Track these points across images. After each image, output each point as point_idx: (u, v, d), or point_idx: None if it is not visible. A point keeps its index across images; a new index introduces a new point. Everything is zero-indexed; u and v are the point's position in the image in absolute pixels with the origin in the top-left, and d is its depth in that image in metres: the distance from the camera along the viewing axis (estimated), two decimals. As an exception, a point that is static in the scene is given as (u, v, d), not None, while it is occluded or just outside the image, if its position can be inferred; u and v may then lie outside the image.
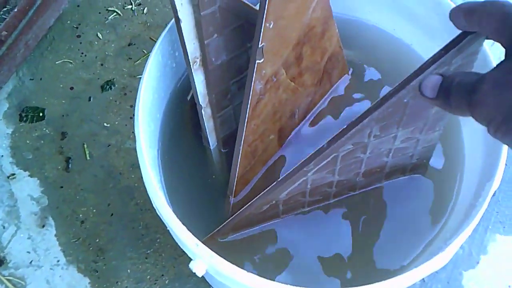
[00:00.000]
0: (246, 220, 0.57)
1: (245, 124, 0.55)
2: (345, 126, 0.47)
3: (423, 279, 0.80)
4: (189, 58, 0.54)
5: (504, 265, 0.86)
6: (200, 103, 0.58)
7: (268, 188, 0.53)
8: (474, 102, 0.34)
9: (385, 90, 0.67)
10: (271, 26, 0.49)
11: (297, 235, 0.59)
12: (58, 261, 0.84)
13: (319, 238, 0.59)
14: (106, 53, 1.01)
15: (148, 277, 0.83)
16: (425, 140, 0.55)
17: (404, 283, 0.47)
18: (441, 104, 0.37)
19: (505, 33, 0.34)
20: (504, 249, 0.86)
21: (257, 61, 0.51)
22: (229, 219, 0.57)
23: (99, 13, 1.05)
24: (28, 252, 0.84)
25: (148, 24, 1.04)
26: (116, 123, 0.94)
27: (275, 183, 0.53)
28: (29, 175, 0.90)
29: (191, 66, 0.54)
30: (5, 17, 0.90)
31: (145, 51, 1.01)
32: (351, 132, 0.47)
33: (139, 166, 0.53)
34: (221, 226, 0.58)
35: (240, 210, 0.56)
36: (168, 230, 0.52)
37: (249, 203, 0.55)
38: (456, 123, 0.64)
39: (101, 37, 1.02)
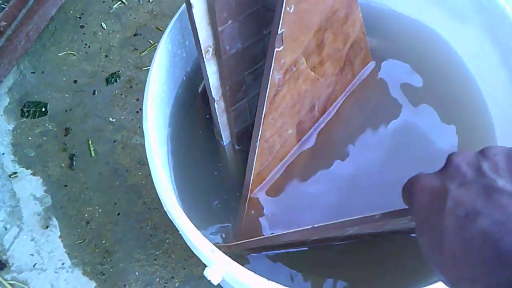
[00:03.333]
0: (266, 247, 0.53)
1: (262, 118, 0.50)
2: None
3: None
4: (201, 47, 0.49)
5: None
6: (213, 96, 0.53)
7: (299, 229, 0.48)
8: None
9: (411, 79, 0.62)
10: (291, 10, 0.44)
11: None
12: (63, 263, 0.80)
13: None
14: (111, 44, 0.96)
15: (157, 279, 0.79)
16: None
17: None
18: None
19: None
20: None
21: (276, 49, 0.46)
22: (247, 241, 0.53)
23: (103, 2, 1.01)
24: (32, 255, 0.80)
25: (155, 13, 0.99)
26: (122, 117, 0.90)
27: (309, 227, 0.48)
28: (31, 174, 0.86)
29: (204, 55, 0.50)
30: (4, 6, 0.85)
31: (151, 41, 0.96)
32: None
33: (146, 163, 0.48)
34: (239, 242, 0.53)
35: (261, 238, 0.51)
36: (179, 232, 0.47)
37: (275, 235, 0.50)
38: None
39: (105, 27, 0.98)
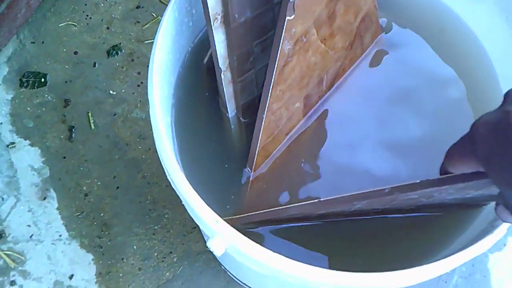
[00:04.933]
0: (271, 220, 0.52)
1: (270, 90, 0.49)
2: (418, 181, 0.42)
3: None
4: (210, 14, 0.48)
5: (533, 249, 0.81)
6: (220, 66, 0.52)
7: (306, 203, 0.48)
8: None
9: (422, 56, 0.61)
10: (305, -23, 0.43)
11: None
12: (60, 235, 0.79)
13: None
14: (113, 16, 0.95)
15: (156, 254, 0.79)
16: None
17: (449, 266, 0.42)
18: None
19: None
20: (533, 232, 0.82)
21: (287, 17, 0.45)
22: (252, 214, 0.52)
23: (105, -27, 0.99)
24: (29, 226, 0.80)
25: (158, -15, 0.98)
26: (123, 91, 0.88)
27: (315, 201, 0.47)
28: (29, 144, 0.85)
29: (212, 23, 0.49)
30: (4, -27, 0.83)
31: (154, 14, 0.95)
32: (423, 190, 0.41)
33: (147, 137, 0.47)
34: (243, 215, 0.52)
35: (266, 211, 0.50)
36: (179, 205, 0.46)
37: (281, 208, 0.49)
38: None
39: (107, -1, 0.96)
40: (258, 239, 0.54)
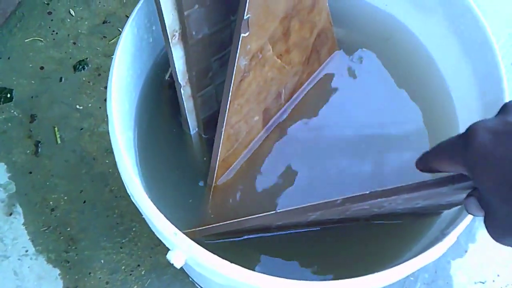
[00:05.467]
0: (231, 232, 0.53)
1: (228, 104, 0.50)
2: (367, 192, 0.43)
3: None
4: (167, 31, 0.49)
5: (492, 254, 0.83)
6: (179, 81, 0.53)
7: (263, 214, 0.49)
8: None
9: (376, 69, 0.63)
10: (257, -4, 0.45)
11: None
12: (26, 251, 0.79)
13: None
14: (79, 31, 0.95)
15: (123, 267, 0.79)
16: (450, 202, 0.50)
17: (400, 274, 0.43)
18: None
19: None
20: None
21: (242, 34, 0.46)
22: (211, 226, 0.53)
23: (72, -12, 1.00)
24: (-6, 242, 0.79)
25: (124, 0, 0.98)
26: (89, 105, 0.89)
27: (273, 213, 0.48)
28: (-5, 160, 0.85)
29: (170, 40, 0.50)
30: (-32, -11, 0.84)
31: (120, 29, 0.96)
32: (372, 201, 0.43)
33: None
34: (203, 228, 0.53)
35: (226, 223, 0.51)
36: (144, 218, 0.47)
37: (239, 220, 0.50)
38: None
39: (73, 14, 0.97)
40: (222, 252, 0.55)
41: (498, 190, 0.31)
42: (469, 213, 0.38)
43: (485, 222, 0.34)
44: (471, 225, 0.83)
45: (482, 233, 0.84)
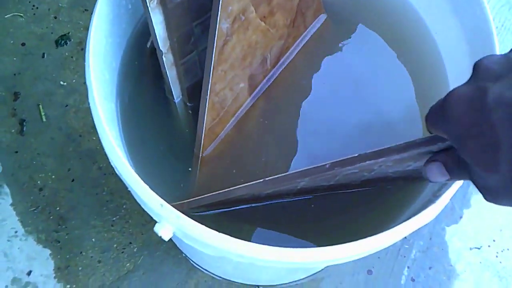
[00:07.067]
0: (220, 203, 0.51)
1: (211, 70, 0.48)
2: (355, 155, 0.41)
3: (405, 236, 0.77)
4: (145, -6, 0.47)
5: (487, 219, 0.83)
6: (160, 48, 0.51)
7: (251, 183, 0.47)
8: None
9: (364, 33, 0.62)
10: (237, -47, 0.43)
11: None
12: (15, 232, 0.78)
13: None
14: (60, 4, 0.92)
15: (115, 245, 0.78)
16: None
17: (392, 238, 0.42)
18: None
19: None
20: (487, 203, 0.83)
21: (223, -5, 0.44)
22: (200, 197, 0.51)
23: (50, -39, 0.96)
24: (-18, 223, 0.78)
25: (105, -27, 0.96)
26: (74, 81, 0.87)
27: (261, 181, 0.47)
28: (-21, 140, 0.83)
29: (148, 4, 0.48)
30: None
31: (102, 2, 0.93)
32: (361, 164, 0.41)
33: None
34: (191, 200, 0.52)
35: (214, 193, 0.50)
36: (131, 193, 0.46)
37: (227, 190, 0.49)
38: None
39: (53, -12, 0.94)
40: (213, 224, 0.54)
41: (481, 159, 0.30)
42: (430, 181, 0.38)
43: (477, 188, 0.34)
44: (465, 190, 0.82)
45: (477, 198, 0.83)
